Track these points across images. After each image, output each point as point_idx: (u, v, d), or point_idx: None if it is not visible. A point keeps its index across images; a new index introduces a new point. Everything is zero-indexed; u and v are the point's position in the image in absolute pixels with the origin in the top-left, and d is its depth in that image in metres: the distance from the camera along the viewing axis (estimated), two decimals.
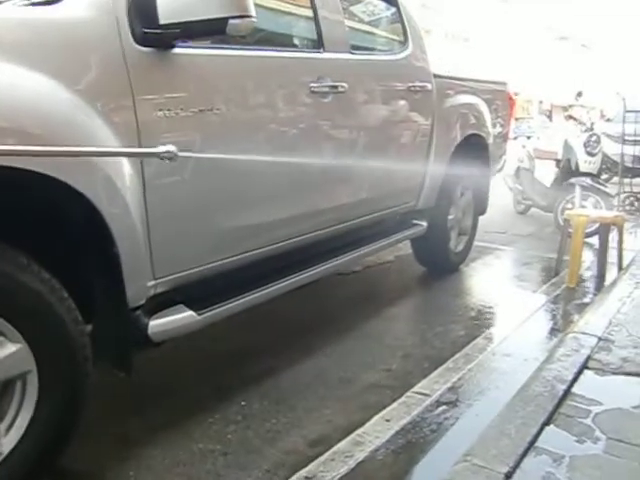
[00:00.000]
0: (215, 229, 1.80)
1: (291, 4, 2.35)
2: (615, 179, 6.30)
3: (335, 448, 1.73)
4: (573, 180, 4.77)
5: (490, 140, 3.65)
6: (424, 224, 3.14)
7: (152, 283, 1.61)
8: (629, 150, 6.05)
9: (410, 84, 2.82)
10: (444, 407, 1.99)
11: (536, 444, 1.56)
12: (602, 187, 4.79)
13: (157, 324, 1.60)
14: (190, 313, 1.69)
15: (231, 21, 1.47)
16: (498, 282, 3.69)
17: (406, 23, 3.00)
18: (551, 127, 6.46)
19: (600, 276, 3.65)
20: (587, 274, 3.79)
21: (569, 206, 4.70)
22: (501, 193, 5.86)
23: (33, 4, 1.46)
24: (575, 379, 1.94)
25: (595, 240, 4.02)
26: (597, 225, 3.96)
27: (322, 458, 1.68)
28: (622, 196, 5.68)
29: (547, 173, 5.36)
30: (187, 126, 1.62)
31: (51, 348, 1.34)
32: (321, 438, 1.78)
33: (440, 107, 3.10)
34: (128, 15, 1.48)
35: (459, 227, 3.57)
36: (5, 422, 1.32)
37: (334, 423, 1.87)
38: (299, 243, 2.22)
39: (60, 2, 1.42)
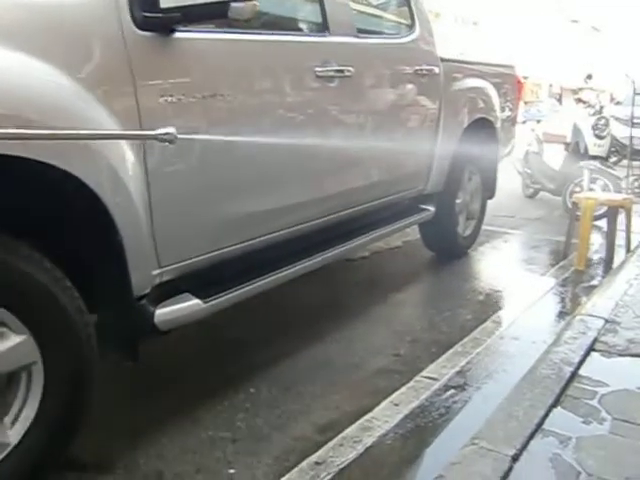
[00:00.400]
0: (220, 216, 1.79)
1: None
2: (624, 162, 6.23)
3: (344, 433, 1.74)
4: (582, 163, 4.73)
5: (498, 124, 3.61)
6: (432, 209, 3.13)
7: (157, 271, 1.60)
8: (638, 133, 5.97)
9: (417, 68, 2.79)
10: (452, 391, 2.00)
11: (543, 426, 1.57)
12: (611, 170, 4.74)
13: (163, 312, 1.60)
14: (196, 301, 1.69)
15: (233, 4, 1.45)
16: (506, 266, 3.68)
17: (413, 6, 2.95)
18: (561, 110, 6.39)
19: (608, 259, 3.63)
20: (595, 257, 3.77)
21: (577, 189, 4.67)
22: (510, 177, 5.81)
23: None
24: (582, 361, 1.95)
25: (603, 223, 3.99)
26: (605, 208, 3.93)
27: (331, 444, 1.69)
28: (630, 179, 5.63)
29: (556, 156, 5.31)
30: (189, 112, 1.60)
31: (56, 339, 1.33)
32: (330, 424, 1.79)
33: (447, 91, 3.06)
34: None
35: (467, 211, 3.55)
36: (11, 415, 1.31)
37: (343, 409, 1.88)
38: (306, 229, 2.21)
39: None
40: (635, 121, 5.79)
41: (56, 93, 1.29)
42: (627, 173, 5.57)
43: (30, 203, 1.34)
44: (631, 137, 5.71)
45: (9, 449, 1.30)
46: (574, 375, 1.86)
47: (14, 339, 1.27)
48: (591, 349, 2.05)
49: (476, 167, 3.53)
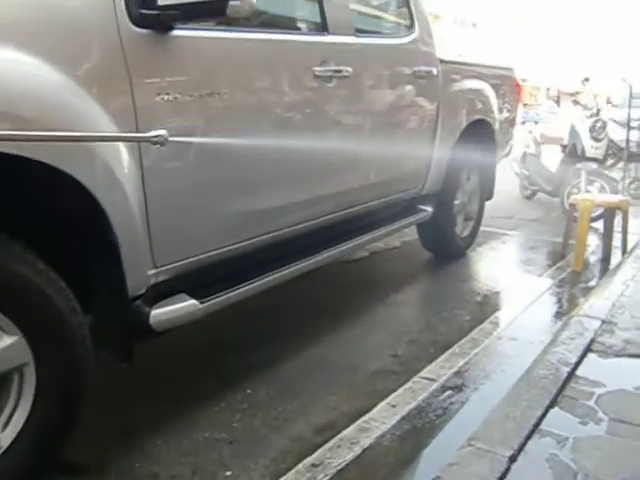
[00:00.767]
0: (216, 216, 1.78)
1: None
2: (620, 164, 6.25)
3: (341, 435, 1.73)
4: (579, 165, 4.74)
5: (496, 125, 3.61)
6: (430, 209, 3.12)
7: (153, 272, 1.59)
8: (634, 135, 5.99)
9: (416, 69, 2.78)
10: (450, 392, 1.99)
11: (540, 427, 1.56)
12: (607, 172, 4.76)
13: (159, 313, 1.59)
14: (192, 302, 1.68)
15: (231, 2, 1.44)
16: (504, 267, 3.68)
17: (412, 7, 2.95)
18: (558, 113, 6.41)
19: (605, 260, 3.64)
20: (592, 258, 3.78)
21: (575, 191, 4.67)
22: (508, 178, 5.82)
23: None
24: (579, 362, 1.95)
25: (600, 224, 4.00)
26: (602, 209, 3.94)
27: (328, 445, 1.68)
28: (627, 181, 5.65)
29: (553, 158, 5.33)
30: (186, 111, 1.59)
31: (49, 340, 1.32)
32: (327, 425, 1.78)
33: (446, 92, 3.06)
34: None
35: (465, 212, 3.55)
36: (3, 416, 1.30)
37: (340, 410, 1.87)
38: (304, 229, 2.21)
39: None
40: (632, 124, 5.80)
41: (50, 90, 1.28)
42: (623, 175, 5.59)
43: (23, 202, 1.32)
44: (628, 139, 5.73)
45: (0, 452, 1.29)
46: (571, 375, 1.86)
47: (5, 340, 1.25)
48: (588, 350, 2.05)
49: (474, 168, 3.53)
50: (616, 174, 5.04)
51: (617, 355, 2.02)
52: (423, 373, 2.12)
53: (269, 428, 1.77)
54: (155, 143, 1.29)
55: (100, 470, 1.57)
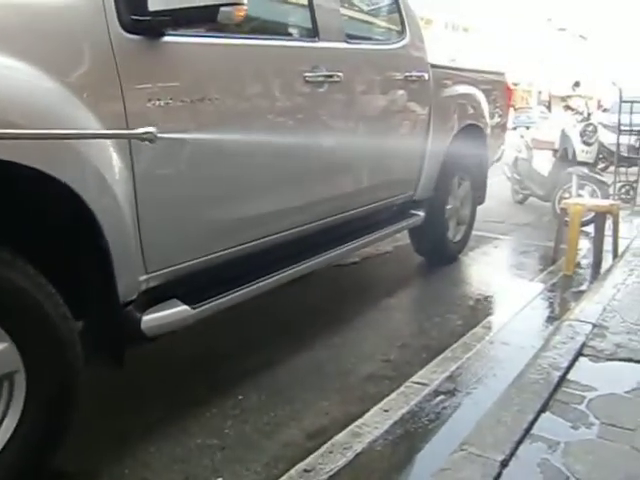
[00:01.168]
0: (208, 221, 1.78)
1: None
2: (611, 168, 6.29)
3: (334, 440, 1.73)
4: (570, 169, 4.77)
5: (488, 130, 3.64)
6: (422, 214, 3.13)
7: (144, 277, 1.59)
8: (625, 140, 6.04)
9: (407, 74, 2.80)
10: (442, 396, 1.99)
11: (532, 431, 1.57)
12: (598, 176, 4.79)
13: (150, 319, 1.58)
14: (184, 307, 1.67)
15: (222, 9, 1.44)
16: (496, 271, 3.69)
17: (404, 12, 2.97)
18: (549, 117, 6.45)
19: (596, 264, 3.66)
20: (584, 262, 3.80)
21: (566, 195, 4.70)
22: (499, 183, 5.85)
23: None
24: (570, 366, 1.96)
25: (591, 228, 4.02)
26: (593, 214, 3.97)
27: (321, 450, 1.67)
28: (618, 185, 5.68)
29: (545, 163, 5.36)
30: (177, 117, 1.59)
31: (39, 347, 1.31)
32: (320, 430, 1.78)
33: (437, 97, 3.08)
34: (115, 1, 1.44)
35: (457, 217, 3.57)
36: None
37: (333, 415, 1.87)
38: (295, 235, 2.21)
39: None
40: (622, 128, 5.85)
41: (42, 96, 1.27)
42: (614, 179, 5.62)
43: (11, 207, 1.31)
44: (618, 144, 5.78)
45: None
46: (562, 380, 1.86)
47: None
48: (579, 354, 2.06)
49: (466, 173, 3.55)
50: (607, 178, 5.06)
51: (608, 359, 2.03)
52: (415, 378, 2.12)
53: (261, 434, 1.76)
54: (144, 140, 1.29)
55: (91, 477, 1.56)
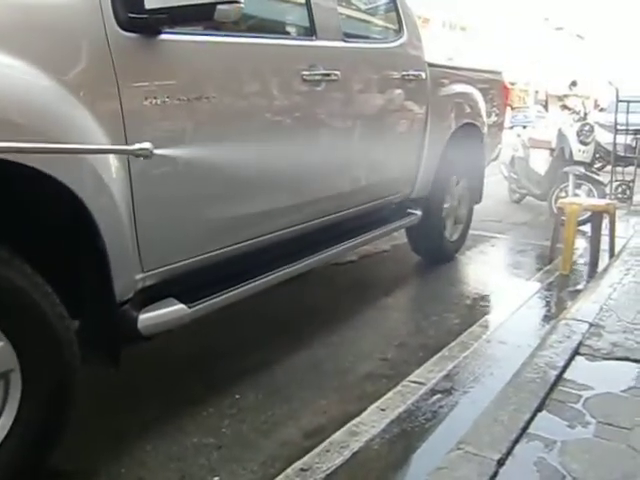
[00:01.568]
0: (205, 220, 1.78)
1: None
2: (608, 168, 6.30)
3: (331, 439, 1.72)
4: (567, 169, 4.78)
5: (485, 129, 3.64)
6: (419, 213, 3.14)
7: (140, 276, 1.58)
8: (621, 139, 6.05)
9: (404, 73, 2.80)
10: (439, 395, 2.00)
11: (528, 430, 1.57)
12: (595, 175, 4.80)
13: (147, 318, 1.58)
14: (180, 306, 1.67)
15: (219, 7, 1.44)
16: (493, 270, 3.70)
17: (401, 11, 2.97)
18: (546, 116, 6.45)
19: (592, 263, 3.67)
20: (580, 261, 3.81)
21: (563, 194, 4.71)
22: (496, 182, 5.86)
23: None
24: (567, 365, 1.96)
25: (588, 228, 4.03)
26: (590, 213, 3.97)
27: (317, 449, 1.67)
28: (614, 184, 5.69)
29: (541, 162, 5.36)
30: (174, 115, 1.59)
31: (35, 345, 1.30)
32: (317, 429, 1.78)
33: (434, 96, 3.08)
34: None
35: (454, 216, 3.57)
36: None
37: (330, 413, 1.87)
38: (292, 233, 2.20)
39: None
40: (619, 127, 5.86)
41: (38, 94, 1.27)
42: (611, 179, 5.63)
43: (9, 206, 1.31)
44: (615, 143, 5.79)
45: None
46: (559, 379, 1.86)
47: None
48: (576, 353, 2.06)
49: (463, 172, 3.55)
50: (604, 177, 5.08)
51: (605, 358, 2.04)
52: (413, 377, 2.12)
53: (258, 433, 1.76)
54: (139, 156, 1.29)
55: (88, 476, 1.56)
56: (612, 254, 3.68)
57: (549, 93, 5.98)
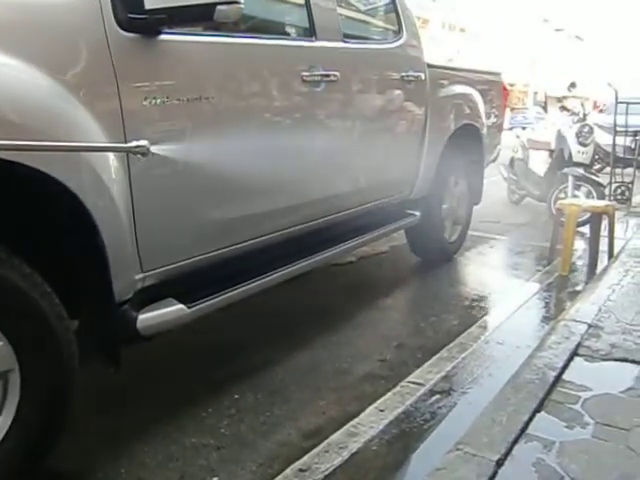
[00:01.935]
0: (204, 220, 1.78)
1: None
2: (607, 169, 6.31)
3: (329, 439, 1.73)
4: (566, 170, 4.78)
5: (484, 130, 3.64)
6: (418, 214, 3.14)
7: (140, 276, 1.58)
8: (620, 140, 6.05)
9: (403, 73, 2.80)
10: (438, 396, 2.00)
11: (527, 431, 1.57)
12: (594, 177, 4.80)
13: (146, 318, 1.58)
14: (180, 306, 1.67)
15: (219, 7, 1.44)
16: (492, 271, 3.70)
17: (400, 12, 2.97)
18: (546, 118, 6.46)
19: (591, 264, 3.67)
20: (579, 262, 3.82)
21: (562, 196, 4.72)
22: (496, 183, 5.87)
23: None
24: (565, 366, 1.96)
25: (587, 229, 4.03)
26: (589, 214, 3.98)
27: (316, 450, 1.67)
28: (613, 186, 5.70)
29: (541, 163, 5.37)
30: (174, 115, 1.59)
31: (34, 345, 1.30)
32: (316, 430, 1.78)
33: (434, 97, 3.09)
34: None
35: (453, 217, 3.57)
36: None
37: (329, 414, 1.87)
38: (291, 234, 2.20)
39: None
40: (618, 129, 5.87)
41: (37, 94, 1.27)
42: (610, 180, 5.64)
43: (8, 206, 1.31)
44: (614, 144, 5.79)
45: None
46: (558, 380, 1.86)
47: None
48: (574, 354, 2.06)
49: (462, 173, 3.55)
50: (603, 179, 5.08)
51: (603, 359, 2.04)
52: (411, 377, 2.12)
53: (257, 433, 1.76)
54: (136, 153, 1.29)
55: (87, 476, 1.56)
56: (611, 255, 3.68)
57: (548, 94, 5.98)
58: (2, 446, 1.29)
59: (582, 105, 5.27)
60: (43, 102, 1.28)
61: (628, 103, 5.73)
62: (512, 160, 5.79)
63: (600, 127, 6.46)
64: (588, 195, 4.67)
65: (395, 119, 2.84)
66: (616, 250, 3.71)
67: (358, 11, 2.99)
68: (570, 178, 4.69)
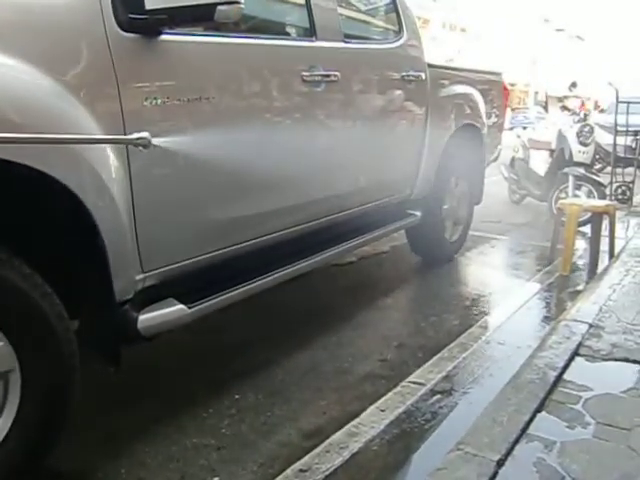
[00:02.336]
0: (205, 221, 1.78)
1: None
2: (608, 169, 6.30)
3: (330, 440, 1.72)
4: (567, 170, 4.78)
5: (484, 130, 3.64)
6: (419, 214, 3.14)
7: (140, 276, 1.58)
8: (621, 140, 6.05)
9: (404, 73, 2.80)
10: (439, 396, 2.00)
11: (528, 431, 1.57)
12: (595, 177, 4.80)
13: (147, 318, 1.58)
14: (180, 306, 1.67)
15: (219, 7, 1.44)
16: (493, 271, 3.69)
17: (401, 12, 2.97)
18: (546, 117, 6.46)
19: (592, 264, 3.66)
20: (580, 262, 3.81)
21: (563, 195, 4.72)
22: (497, 183, 5.87)
23: None
24: (566, 366, 1.96)
25: (588, 229, 4.03)
26: (590, 214, 3.98)
27: (317, 450, 1.67)
28: (614, 185, 5.70)
29: (541, 163, 5.37)
30: (174, 115, 1.59)
31: (34, 346, 1.30)
32: (316, 430, 1.78)
33: (434, 97, 3.08)
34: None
35: (454, 217, 3.57)
36: None
37: (329, 414, 1.87)
38: (292, 234, 2.20)
39: None
40: (618, 129, 5.86)
41: (38, 94, 1.27)
42: (611, 180, 5.64)
43: (7, 206, 1.31)
44: (615, 144, 5.79)
45: None
46: (558, 380, 1.86)
47: None
48: (575, 354, 2.06)
49: (463, 173, 3.55)
50: (603, 178, 5.08)
51: (604, 359, 2.04)
52: (412, 377, 2.12)
53: (257, 433, 1.76)
54: (137, 145, 1.29)
55: (87, 476, 1.56)
56: (612, 255, 3.68)
57: (549, 94, 5.98)
58: (3, 446, 1.29)
59: (583, 105, 5.27)
60: (43, 102, 1.28)
61: (629, 103, 5.72)
62: (513, 160, 5.78)
63: (601, 127, 6.46)
64: (589, 195, 4.67)
65: (396, 119, 2.84)
66: (617, 250, 3.71)
67: (358, 11, 2.99)
68: (571, 178, 4.69)
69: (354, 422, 1.82)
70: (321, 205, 2.35)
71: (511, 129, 7.75)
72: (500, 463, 1.41)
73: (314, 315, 2.72)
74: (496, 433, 1.54)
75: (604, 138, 6.54)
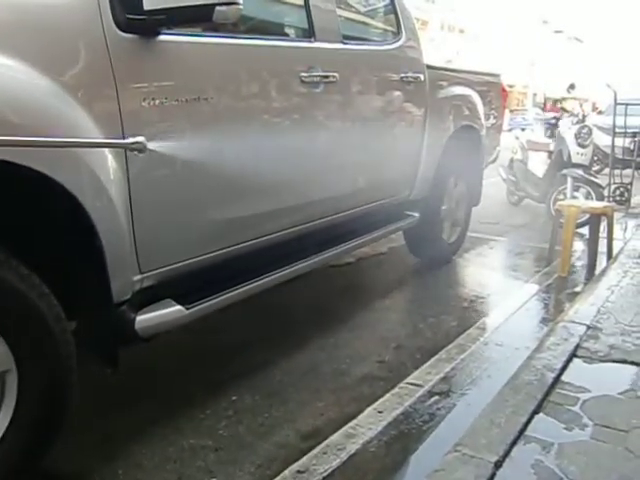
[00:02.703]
0: (203, 222, 1.78)
1: None
2: (606, 170, 6.32)
3: (328, 441, 1.72)
4: (565, 171, 4.79)
5: (483, 131, 3.64)
6: (417, 215, 3.14)
7: (138, 277, 1.58)
8: (619, 142, 6.06)
9: (403, 75, 2.80)
10: (436, 397, 1.99)
11: (526, 432, 1.57)
12: (593, 178, 4.81)
13: (144, 319, 1.58)
14: (178, 307, 1.67)
15: (218, 8, 1.44)
16: (491, 272, 3.70)
17: (399, 13, 2.97)
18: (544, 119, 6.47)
19: (590, 265, 3.67)
20: (578, 263, 3.81)
21: (561, 197, 4.72)
22: (495, 184, 5.87)
23: None
24: (564, 367, 1.96)
25: (586, 230, 4.04)
26: (588, 215, 3.98)
27: (314, 451, 1.67)
28: (612, 187, 5.71)
29: (540, 164, 5.38)
30: (172, 116, 1.58)
31: (31, 346, 1.30)
32: (314, 431, 1.78)
33: (433, 98, 3.09)
34: (110, 0, 1.43)
35: (452, 218, 3.57)
36: None
37: (327, 416, 1.86)
38: (290, 235, 2.20)
39: None
40: (617, 130, 5.87)
41: (36, 95, 1.27)
42: (609, 181, 5.65)
43: (6, 207, 1.30)
44: (613, 146, 5.80)
45: None
46: (556, 381, 1.86)
47: None
48: (573, 355, 2.06)
49: (461, 174, 3.55)
50: (602, 180, 5.09)
51: (602, 360, 2.04)
52: (410, 379, 2.12)
53: (255, 435, 1.75)
54: (133, 150, 1.28)
55: (84, 477, 1.55)
56: (610, 256, 3.68)
57: (547, 96, 6.00)
58: (0, 445, 1.29)
59: (581, 106, 5.28)
60: (41, 103, 1.27)
61: (627, 104, 5.73)
62: (511, 161, 5.80)
63: (599, 128, 6.47)
64: (587, 196, 4.68)
65: (394, 120, 2.84)
66: (615, 251, 3.71)
67: (357, 12, 2.99)
68: (569, 179, 4.70)
69: (352, 423, 1.82)
70: (319, 206, 2.34)
71: (509, 130, 7.76)
72: (498, 465, 1.41)
73: (312, 316, 2.71)
74: (494, 434, 1.54)
75: (602, 140, 6.56)
